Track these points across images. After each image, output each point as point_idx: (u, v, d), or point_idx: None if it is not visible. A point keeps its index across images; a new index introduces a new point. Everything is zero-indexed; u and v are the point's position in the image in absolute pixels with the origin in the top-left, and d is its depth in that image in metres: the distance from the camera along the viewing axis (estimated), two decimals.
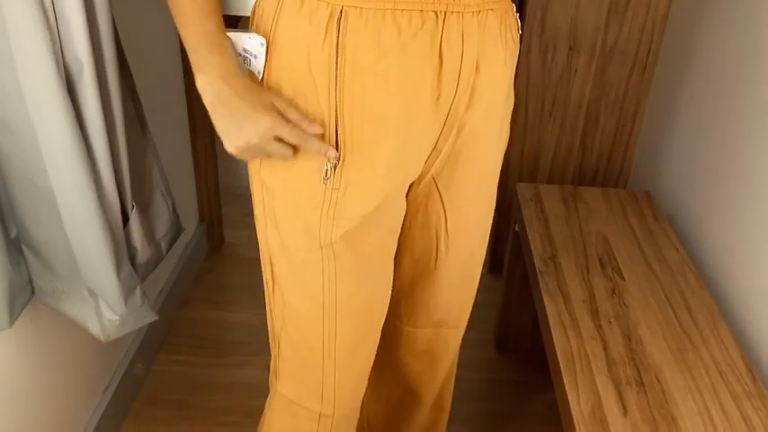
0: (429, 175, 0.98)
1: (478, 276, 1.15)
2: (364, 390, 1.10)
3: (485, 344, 1.90)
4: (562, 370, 1.12)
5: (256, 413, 1.16)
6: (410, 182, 0.97)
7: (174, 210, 1.30)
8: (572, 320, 1.23)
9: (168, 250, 1.30)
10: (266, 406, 1.12)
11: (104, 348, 1.51)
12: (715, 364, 1.15)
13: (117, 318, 1.14)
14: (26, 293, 1.14)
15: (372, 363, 1.08)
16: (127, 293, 1.13)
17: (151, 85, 1.58)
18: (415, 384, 1.25)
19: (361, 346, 1.03)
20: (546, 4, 1.69)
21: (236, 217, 2.36)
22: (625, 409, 1.05)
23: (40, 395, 1.28)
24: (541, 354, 1.29)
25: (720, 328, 1.23)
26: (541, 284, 1.33)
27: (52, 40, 0.90)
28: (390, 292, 1.05)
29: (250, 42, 0.83)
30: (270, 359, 1.08)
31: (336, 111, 0.83)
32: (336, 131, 0.84)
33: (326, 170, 0.86)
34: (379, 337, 1.06)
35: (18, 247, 1.11)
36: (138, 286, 1.17)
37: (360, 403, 1.11)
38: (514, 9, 0.92)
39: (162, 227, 1.27)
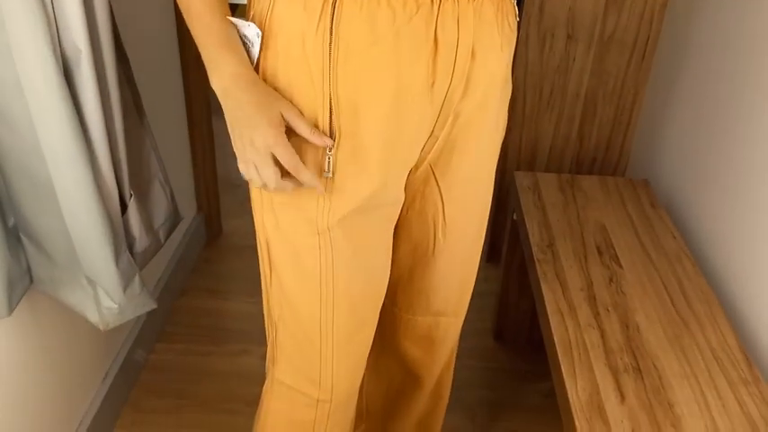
0: (426, 163, 0.98)
1: (477, 264, 1.16)
2: (362, 375, 1.10)
3: (483, 332, 1.90)
4: (560, 358, 1.13)
5: (255, 401, 1.16)
6: (407, 169, 0.97)
7: (173, 198, 1.30)
8: (570, 308, 1.24)
9: (166, 239, 1.30)
10: (263, 392, 1.12)
11: (103, 337, 1.51)
12: (711, 351, 1.16)
13: (115, 306, 1.14)
14: (25, 282, 1.14)
15: (370, 348, 1.08)
16: (125, 282, 1.14)
17: (149, 73, 1.58)
18: (415, 368, 1.25)
19: (359, 332, 1.04)
20: None
21: (233, 207, 2.36)
22: (622, 396, 1.06)
23: (38, 383, 1.28)
24: (539, 342, 1.30)
25: (717, 314, 1.24)
26: (539, 273, 1.33)
27: (49, 27, 0.90)
28: (388, 280, 1.05)
29: (249, 30, 0.83)
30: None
31: (330, 97, 0.83)
32: (330, 117, 0.84)
33: (328, 163, 0.86)
34: (376, 323, 1.07)
35: (16, 235, 1.11)
36: (137, 275, 1.17)
37: (357, 388, 1.11)
38: None
39: (160, 215, 1.27)
